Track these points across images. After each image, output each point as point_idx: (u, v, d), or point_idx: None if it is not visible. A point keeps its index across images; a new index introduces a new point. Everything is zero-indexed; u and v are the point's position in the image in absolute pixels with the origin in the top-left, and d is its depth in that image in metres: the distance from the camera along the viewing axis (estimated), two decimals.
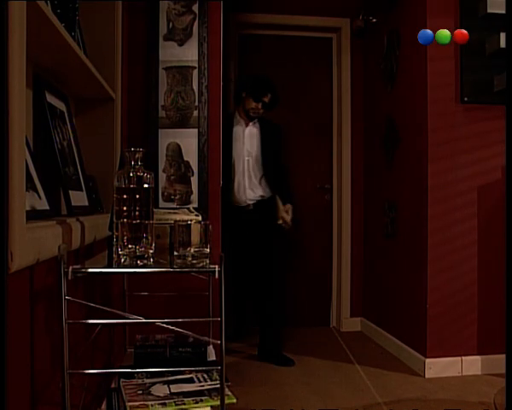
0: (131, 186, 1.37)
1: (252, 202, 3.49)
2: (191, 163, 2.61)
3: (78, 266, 1.20)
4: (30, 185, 1.45)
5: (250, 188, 3.48)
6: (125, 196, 1.37)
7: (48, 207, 1.55)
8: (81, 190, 1.94)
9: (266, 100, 3.39)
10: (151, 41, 2.63)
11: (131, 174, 1.38)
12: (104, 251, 1.84)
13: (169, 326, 1.21)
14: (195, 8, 2.63)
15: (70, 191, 1.78)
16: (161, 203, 2.60)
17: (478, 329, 3.21)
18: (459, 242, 3.21)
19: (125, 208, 1.37)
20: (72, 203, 1.77)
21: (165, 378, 1.79)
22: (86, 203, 1.97)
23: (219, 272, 1.20)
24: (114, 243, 1.38)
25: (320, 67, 4.32)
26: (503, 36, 3.03)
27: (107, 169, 2.28)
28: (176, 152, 2.61)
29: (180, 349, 2.02)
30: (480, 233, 3.21)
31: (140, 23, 2.63)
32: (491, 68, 3.15)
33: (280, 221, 3.41)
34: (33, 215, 1.39)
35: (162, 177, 2.60)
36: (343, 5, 4.16)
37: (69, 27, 1.72)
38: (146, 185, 1.38)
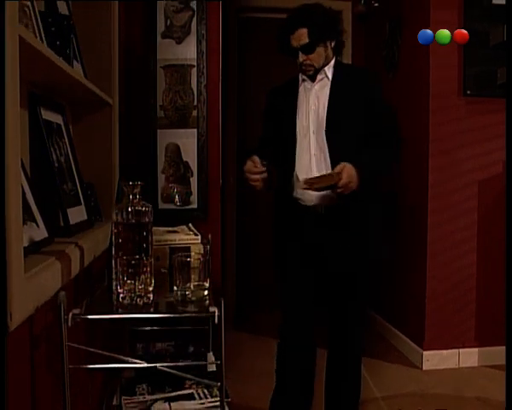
0: (130, 222, 1.36)
1: (323, 204, 2.19)
2: (190, 164, 2.59)
3: (77, 311, 1.20)
4: (28, 217, 1.44)
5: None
6: (123, 232, 1.36)
7: (46, 235, 1.53)
8: (79, 205, 1.92)
9: (303, 41, 2.12)
10: (149, 39, 2.57)
11: (130, 209, 1.37)
12: (103, 267, 1.84)
13: (171, 370, 1.22)
14: (193, 4, 2.57)
15: (68, 209, 1.77)
16: (160, 204, 2.59)
17: (476, 322, 3.25)
18: (459, 235, 3.21)
19: (124, 244, 1.36)
20: (71, 222, 1.76)
21: (166, 395, 1.81)
22: (85, 217, 1.95)
23: (219, 316, 1.20)
24: (114, 278, 1.38)
25: None
26: None
27: (105, 174, 2.26)
28: (175, 153, 2.59)
29: (181, 361, 2.04)
30: (479, 227, 3.22)
31: (137, 20, 2.58)
32: (494, 60, 3.10)
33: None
34: (32, 249, 1.38)
35: (161, 178, 2.59)
36: None
37: (64, 44, 1.67)
38: (144, 221, 1.37)
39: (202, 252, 1.73)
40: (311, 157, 2.20)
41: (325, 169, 2.16)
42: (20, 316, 1.06)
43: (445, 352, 3.22)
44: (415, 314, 3.33)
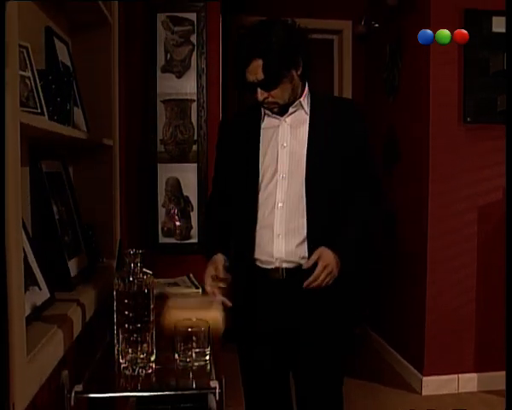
0: (132, 290, 1.37)
1: (285, 266, 1.74)
2: (191, 198, 2.60)
3: (79, 389, 1.21)
4: (30, 281, 1.44)
5: (283, 234, 1.73)
6: (125, 301, 1.37)
7: (48, 296, 1.54)
8: (80, 253, 1.93)
9: (260, 76, 1.64)
10: (149, 73, 2.57)
11: (131, 278, 1.37)
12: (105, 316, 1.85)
13: None
14: (193, 38, 2.57)
15: (70, 261, 1.78)
16: (161, 238, 2.59)
17: (475, 347, 3.26)
18: (458, 261, 3.22)
19: (125, 312, 1.37)
20: (72, 274, 1.77)
21: None
22: (86, 264, 1.96)
23: (220, 393, 1.21)
24: (115, 344, 1.39)
25: (321, 69, 4.23)
26: None
27: (106, 214, 2.27)
28: (175, 187, 2.59)
29: (182, 405, 2.05)
30: (479, 253, 3.22)
31: (137, 54, 2.58)
32: (495, 88, 3.10)
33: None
34: (34, 316, 1.39)
35: (161, 212, 2.59)
36: (344, 8, 4.06)
37: (64, 100, 1.67)
38: (146, 290, 1.38)
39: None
40: (275, 208, 1.73)
41: (295, 225, 1.73)
42: (23, 404, 1.07)
43: (444, 377, 3.23)
44: (414, 340, 3.34)
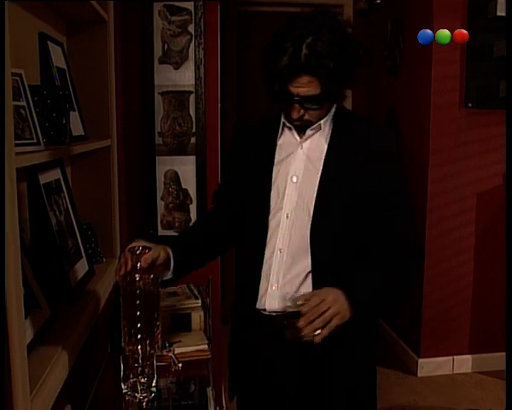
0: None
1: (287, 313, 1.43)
2: (189, 191, 2.59)
3: None
4: (31, 303, 1.45)
5: (279, 284, 1.45)
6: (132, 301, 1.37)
7: (49, 314, 1.55)
8: (81, 258, 1.94)
9: (308, 92, 1.35)
10: (146, 64, 2.52)
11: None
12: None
13: None
14: (191, 28, 2.51)
15: (71, 270, 1.79)
16: (160, 231, 2.60)
17: (470, 330, 3.32)
18: (456, 246, 3.24)
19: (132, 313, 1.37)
20: (74, 282, 1.79)
21: None
22: (86, 268, 1.97)
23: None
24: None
25: None
26: None
27: (105, 212, 2.27)
28: (174, 180, 2.58)
29: (183, 403, 2.11)
30: (477, 239, 3.24)
31: (134, 45, 2.52)
32: (497, 72, 3.05)
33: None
34: (36, 340, 1.40)
35: (160, 205, 2.59)
36: None
37: (60, 114, 1.64)
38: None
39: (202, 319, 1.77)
40: (275, 252, 1.45)
41: (294, 275, 1.44)
42: None
43: (439, 359, 3.30)
44: (411, 322, 3.39)
